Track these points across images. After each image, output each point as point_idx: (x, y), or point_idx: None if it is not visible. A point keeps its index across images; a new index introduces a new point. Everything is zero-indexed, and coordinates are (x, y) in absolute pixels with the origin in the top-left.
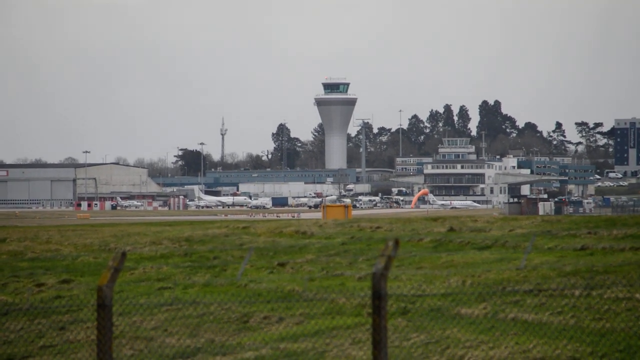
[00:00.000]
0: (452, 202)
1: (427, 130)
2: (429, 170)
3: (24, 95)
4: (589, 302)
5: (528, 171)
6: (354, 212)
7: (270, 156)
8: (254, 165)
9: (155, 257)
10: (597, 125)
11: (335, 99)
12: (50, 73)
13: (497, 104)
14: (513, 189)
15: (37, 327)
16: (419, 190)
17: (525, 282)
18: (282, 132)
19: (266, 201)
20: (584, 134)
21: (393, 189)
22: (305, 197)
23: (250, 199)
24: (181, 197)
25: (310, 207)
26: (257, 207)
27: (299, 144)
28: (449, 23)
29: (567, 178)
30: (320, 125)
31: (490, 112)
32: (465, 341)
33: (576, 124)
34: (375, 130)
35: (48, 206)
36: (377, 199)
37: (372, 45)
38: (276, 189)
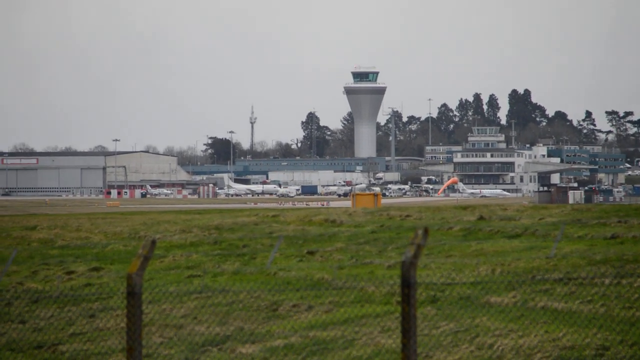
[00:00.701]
0: (481, 190)
1: (457, 119)
2: (458, 158)
3: (55, 84)
4: (619, 290)
5: (558, 160)
6: (384, 201)
7: (299, 145)
8: (284, 154)
9: (185, 245)
10: (628, 114)
11: (364, 88)
12: (81, 61)
13: (527, 92)
14: (543, 178)
15: (67, 314)
16: (448, 179)
17: (555, 270)
18: (311, 120)
19: (291, 190)
20: (614, 123)
21: (422, 178)
22: (334, 185)
23: (280, 187)
24: (211, 185)
25: (339, 195)
26: (282, 195)
27: (329, 133)
28: (478, 11)
29: (597, 167)
30: (350, 114)
31: (520, 100)
32: (494, 330)
33: (606, 112)
34: (404, 119)
35: (78, 194)
36: (407, 187)
37: (401, 34)
38: (306, 177)
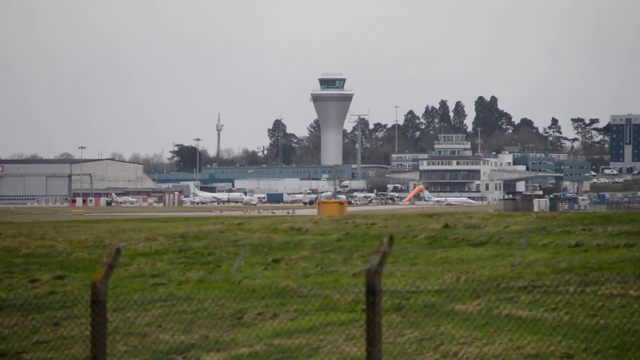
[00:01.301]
0: (447, 198)
1: (423, 127)
2: (424, 166)
3: (19, 91)
4: (583, 298)
5: (523, 167)
6: (349, 209)
7: (265, 152)
8: (250, 161)
9: (150, 253)
10: (593, 121)
11: (331, 95)
12: (45, 68)
13: (493, 100)
14: (508, 186)
15: (31, 322)
16: (414, 187)
17: (519, 278)
18: (277, 127)
19: (253, 198)
20: (579, 130)
21: (388, 185)
22: (300, 193)
23: (246, 195)
24: (176, 193)
25: (305, 203)
26: (246, 203)
27: (295, 140)
28: (444, 18)
29: (562, 174)
30: (316, 121)
31: (486, 108)
32: (459, 337)
33: (572, 120)
34: (371, 126)
35: (43, 202)
36: (373, 195)
37: (368, 41)
38: (272, 185)
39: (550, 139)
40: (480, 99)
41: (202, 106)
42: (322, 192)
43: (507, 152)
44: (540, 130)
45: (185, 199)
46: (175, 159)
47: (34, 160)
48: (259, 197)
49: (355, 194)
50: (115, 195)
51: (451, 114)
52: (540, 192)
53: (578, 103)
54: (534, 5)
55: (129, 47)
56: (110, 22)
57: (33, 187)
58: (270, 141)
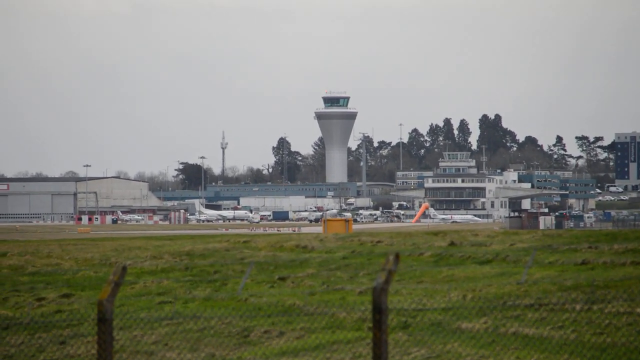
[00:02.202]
0: (452, 216)
1: (428, 144)
2: (429, 184)
3: (26, 110)
4: (590, 316)
5: (529, 185)
6: (355, 226)
7: (270, 170)
8: (255, 179)
9: (156, 271)
10: (598, 139)
11: (335, 113)
12: (50, 86)
13: (498, 118)
14: (514, 203)
15: (37, 341)
16: (420, 205)
17: (526, 296)
18: (282, 145)
19: (255, 216)
20: (584, 148)
21: (394, 203)
22: (306, 211)
23: (251, 212)
24: (182, 211)
25: (311, 221)
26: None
27: (300, 158)
28: (448, 37)
29: (567, 192)
30: (321, 139)
31: (491, 126)
32: (465, 356)
33: (577, 138)
34: (375, 144)
35: (49, 220)
36: (378, 213)
37: (372, 59)
38: (277, 203)
39: (555, 156)
40: (485, 116)
41: (207, 124)
42: (327, 210)
43: (512, 170)
44: (545, 148)
45: (190, 216)
46: (181, 176)
47: (39, 179)
48: (263, 215)
49: (360, 211)
50: (120, 213)
51: (455, 132)
52: (546, 210)
53: (582, 121)
54: (538, 24)
55: (135, 65)
56: (116, 39)
57: (39, 205)
58: (275, 159)
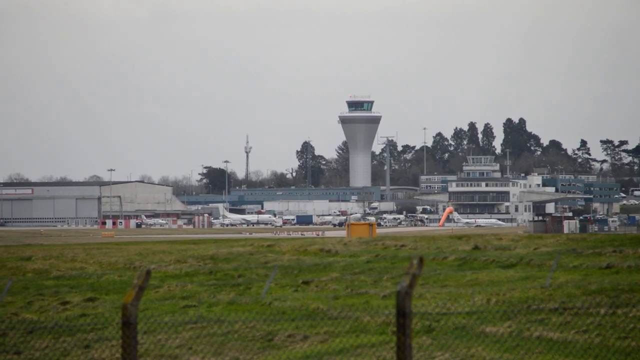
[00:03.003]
0: (476, 220)
1: (452, 148)
2: (453, 188)
3: (50, 114)
4: (614, 320)
5: (553, 189)
6: (379, 230)
7: (294, 174)
8: (279, 183)
9: (180, 275)
10: (622, 143)
11: (359, 117)
12: (74, 91)
13: (522, 121)
14: (538, 207)
15: (62, 345)
16: (443, 209)
17: (550, 300)
18: (306, 150)
19: (277, 219)
20: (609, 152)
21: (417, 207)
22: (329, 215)
23: (275, 217)
24: (206, 215)
25: (334, 225)
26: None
27: (324, 162)
28: (472, 41)
29: (592, 196)
30: (345, 143)
31: (515, 130)
32: (490, 359)
33: (601, 141)
34: (399, 148)
35: (73, 224)
36: (402, 217)
37: (396, 63)
38: (301, 207)
39: (579, 160)
40: (509, 120)
41: (231, 128)
42: (351, 214)
43: (536, 174)
44: (569, 152)
45: (214, 221)
46: (204, 181)
47: (63, 183)
48: (286, 219)
49: (384, 215)
50: (144, 218)
51: (480, 136)
52: (570, 214)
53: (607, 125)
54: (561, 26)
55: (159, 70)
56: (140, 43)
57: (63, 210)
58: (299, 163)
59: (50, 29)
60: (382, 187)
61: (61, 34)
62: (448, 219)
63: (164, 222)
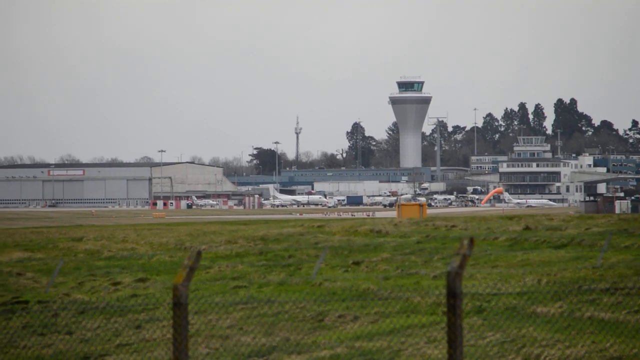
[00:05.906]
0: (527, 200)
1: (502, 129)
2: (504, 168)
3: (100, 95)
4: None
5: (604, 169)
6: (429, 211)
7: (344, 155)
8: (329, 164)
9: (231, 255)
10: None
11: (409, 98)
12: (125, 73)
13: (573, 102)
14: (589, 188)
15: (113, 325)
16: (494, 189)
17: (601, 280)
18: (356, 130)
19: (329, 200)
20: None
21: (468, 188)
22: (380, 196)
23: (325, 197)
24: (256, 196)
25: (385, 205)
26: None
27: (374, 143)
28: (523, 21)
29: None
30: (395, 124)
31: (566, 110)
32: (541, 340)
33: None
34: (449, 129)
35: (124, 205)
36: (452, 197)
37: (446, 44)
38: (351, 187)
39: (631, 140)
40: (560, 101)
41: (281, 109)
42: (401, 195)
43: (587, 154)
44: (621, 132)
45: (265, 201)
46: (255, 162)
47: (114, 164)
48: (338, 199)
49: (434, 196)
50: (195, 198)
51: (530, 116)
52: (622, 194)
53: None
54: (612, 5)
55: (210, 50)
56: (194, 24)
57: (114, 191)
58: (349, 144)
59: (102, 7)
60: (433, 168)
61: (113, 13)
62: (499, 200)
63: (215, 202)
